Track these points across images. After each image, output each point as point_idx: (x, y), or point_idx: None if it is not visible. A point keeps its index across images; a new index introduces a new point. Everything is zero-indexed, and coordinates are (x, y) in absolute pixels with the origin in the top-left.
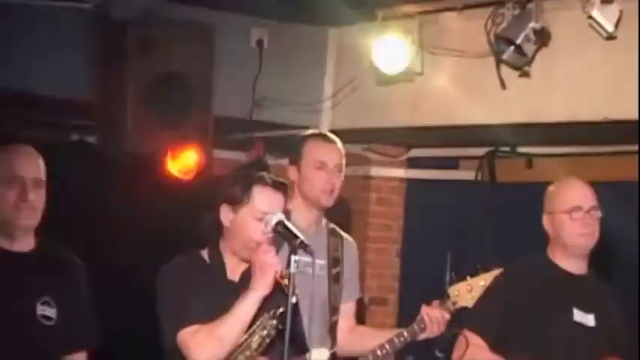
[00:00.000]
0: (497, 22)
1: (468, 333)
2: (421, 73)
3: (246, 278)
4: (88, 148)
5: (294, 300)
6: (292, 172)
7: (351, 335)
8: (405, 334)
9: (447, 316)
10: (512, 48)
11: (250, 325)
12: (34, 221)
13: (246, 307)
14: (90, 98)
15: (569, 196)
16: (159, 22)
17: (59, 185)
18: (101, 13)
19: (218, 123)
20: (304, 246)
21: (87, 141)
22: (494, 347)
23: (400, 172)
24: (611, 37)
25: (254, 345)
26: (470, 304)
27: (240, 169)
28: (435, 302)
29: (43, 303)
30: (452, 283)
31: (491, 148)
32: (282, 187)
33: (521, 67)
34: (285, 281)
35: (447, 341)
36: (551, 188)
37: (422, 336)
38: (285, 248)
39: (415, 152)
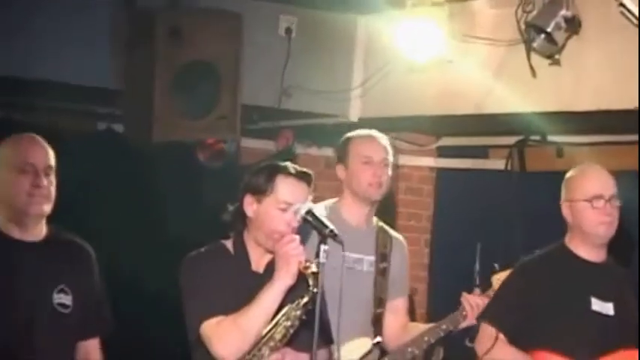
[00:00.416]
0: (528, 9)
1: (485, 326)
2: (451, 61)
3: (271, 269)
4: (116, 137)
5: (316, 290)
6: (340, 171)
7: (403, 331)
8: (447, 324)
9: None
10: (542, 36)
11: (274, 316)
12: (47, 208)
13: (270, 298)
14: (118, 87)
15: (591, 184)
16: (187, 11)
17: (86, 174)
18: (129, 1)
19: (246, 112)
20: (334, 235)
21: (114, 130)
22: (513, 340)
23: (430, 161)
24: None
25: (278, 336)
26: None
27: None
28: (476, 290)
29: (60, 291)
30: (494, 272)
31: (521, 137)
32: (306, 177)
33: (552, 56)
34: (309, 272)
35: (477, 331)
36: (570, 175)
37: (463, 324)
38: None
39: (445, 141)
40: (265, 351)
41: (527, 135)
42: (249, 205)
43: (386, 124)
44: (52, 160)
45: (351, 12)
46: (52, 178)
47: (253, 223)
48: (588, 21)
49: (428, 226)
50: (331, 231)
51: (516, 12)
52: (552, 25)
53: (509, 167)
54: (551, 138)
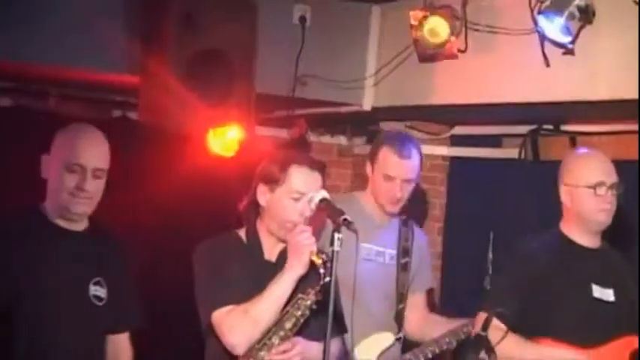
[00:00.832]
0: None
1: (483, 315)
2: (464, 50)
3: (283, 258)
4: (130, 125)
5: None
6: (368, 168)
7: (423, 324)
8: (468, 327)
9: None
10: (556, 25)
11: (285, 306)
12: (89, 209)
13: (281, 287)
14: (132, 75)
15: (594, 170)
16: None
17: None
18: None
19: (260, 100)
20: (348, 223)
21: (129, 117)
22: (514, 329)
23: (443, 150)
24: None
25: (288, 325)
26: None
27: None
28: None
29: (96, 283)
30: None
31: (534, 126)
32: (319, 167)
33: (565, 45)
34: (320, 262)
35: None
36: (571, 159)
37: None
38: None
39: (458, 130)
40: (275, 340)
41: (540, 124)
42: (262, 195)
43: (399, 113)
44: (104, 161)
45: (365, 1)
46: (100, 180)
47: (266, 212)
48: (602, 10)
49: (441, 215)
50: (345, 219)
51: (530, 1)
52: (566, 14)
53: (522, 156)
54: (564, 127)
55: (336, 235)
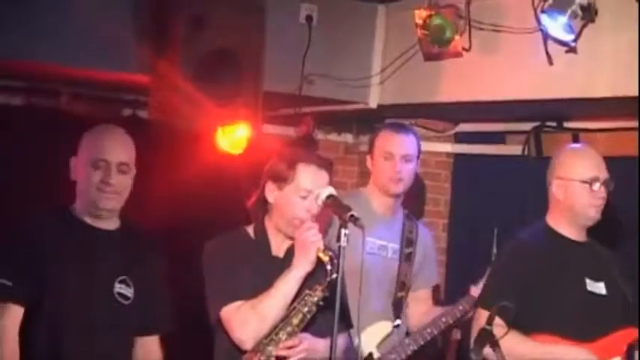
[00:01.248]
0: None
1: (481, 312)
2: (469, 48)
3: (291, 255)
4: (141, 124)
5: (335, 276)
6: (368, 161)
7: (425, 319)
8: (463, 304)
9: None
10: (559, 24)
11: (292, 302)
12: (117, 204)
13: (289, 284)
14: (142, 74)
15: (589, 165)
16: None
17: None
18: None
19: (267, 98)
20: (355, 219)
21: (139, 116)
22: (511, 325)
23: (447, 147)
24: None
25: (295, 321)
26: None
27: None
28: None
29: (121, 282)
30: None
31: (538, 123)
32: (326, 165)
33: (568, 43)
34: (326, 259)
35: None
36: (564, 153)
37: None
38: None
39: (462, 127)
40: (283, 335)
41: (543, 121)
42: (271, 192)
43: (404, 111)
44: (129, 156)
45: (371, 0)
46: (126, 175)
47: (274, 209)
48: (604, 9)
49: (445, 211)
50: (352, 215)
51: (533, 0)
52: (569, 13)
53: (526, 153)
54: (567, 124)
55: (343, 231)
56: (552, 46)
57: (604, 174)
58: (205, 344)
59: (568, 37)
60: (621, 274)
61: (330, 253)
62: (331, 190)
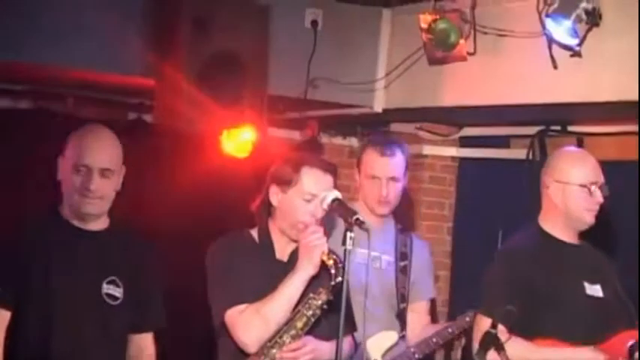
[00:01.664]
0: (549, 2)
1: (481, 318)
2: (473, 53)
3: (295, 258)
4: (145, 127)
5: (339, 279)
6: (356, 175)
7: (424, 333)
8: (470, 316)
9: None
10: (563, 28)
11: (296, 305)
12: (99, 209)
13: (293, 287)
14: (146, 77)
15: (588, 169)
16: (214, 2)
17: None
18: None
19: (272, 102)
20: (360, 223)
21: (144, 119)
22: (511, 330)
23: (452, 151)
24: None
25: (299, 324)
26: None
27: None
28: None
29: (110, 282)
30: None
31: (542, 127)
32: (330, 169)
33: (573, 47)
34: (330, 262)
35: None
36: (563, 157)
37: None
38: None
39: (467, 131)
40: (287, 338)
41: (548, 125)
42: (275, 195)
43: (409, 115)
44: (112, 162)
45: (376, 4)
46: (108, 180)
47: (278, 212)
48: (608, 13)
49: (450, 215)
50: (357, 219)
51: (538, 4)
52: (573, 17)
53: (530, 157)
54: (571, 128)
55: (349, 235)
56: (557, 50)
57: (601, 178)
58: (209, 347)
59: (572, 42)
60: (615, 276)
61: (334, 257)
62: (337, 194)
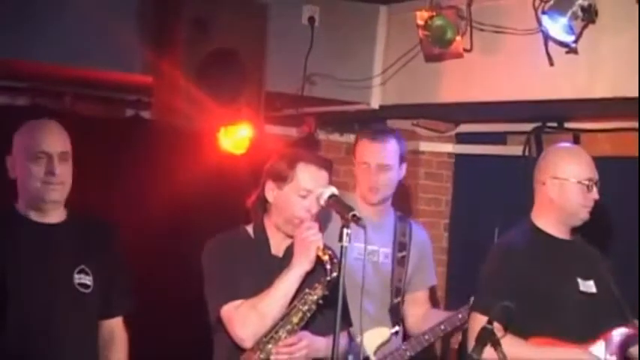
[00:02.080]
0: None
1: (475, 316)
2: (470, 49)
3: (290, 253)
4: (143, 124)
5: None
6: (354, 168)
7: (425, 319)
8: (463, 313)
9: None
10: (560, 24)
11: (292, 300)
12: (62, 195)
13: (288, 282)
14: (144, 75)
15: (585, 166)
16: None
17: (114, 160)
18: None
19: (270, 99)
20: (357, 219)
21: (142, 116)
22: (508, 328)
23: (449, 147)
24: None
25: (295, 319)
26: None
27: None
28: None
29: (80, 272)
30: None
31: (538, 124)
32: (326, 165)
33: (569, 44)
34: (326, 257)
35: None
36: (559, 153)
37: None
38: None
39: (463, 128)
40: (282, 334)
41: (544, 122)
42: (271, 191)
43: (406, 111)
44: (68, 145)
45: (373, 1)
46: (68, 164)
47: (274, 208)
48: (604, 10)
49: (447, 211)
50: (354, 215)
51: (534, 1)
52: (569, 14)
53: (526, 153)
54: (567, 125)
55: (345, 231)
56: (553, 47)
57: (596, 175)
58: (205, 343)
59: (569, 38)
60: (608, 271)
61: (330, 252)
62: (333, 190)
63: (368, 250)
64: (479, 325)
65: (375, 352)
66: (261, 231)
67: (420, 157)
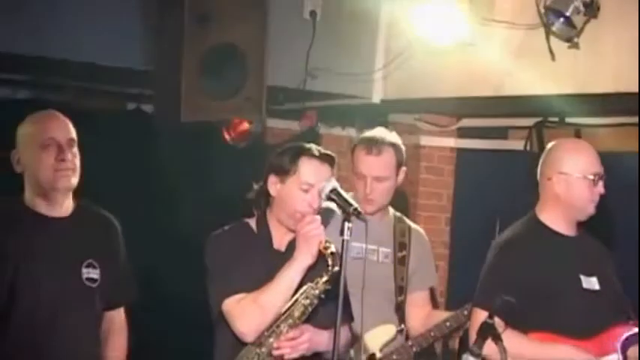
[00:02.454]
0: None
1: (476, 311)
2: (472, 44)
3: (292, 248)
4: (145, 117)
5: (336, 269)
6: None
7: (425, 321)
8: (468, 309)
9: None
10: (561, 20)
11: (293, 294)
12: (74, 180)
13: (290, 276)
14: (147, 68)
15: (591, 161)
16: None
17: (116, 153)
18: None
19: (271, 93)
20: (357, 213)
21: (143, 110)
22: (509, 322)
23: (450, 142)
24: None
25: (296, 313)
26: None
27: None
28: None
29: (88, 265)
30: None
31: (540, 119)
32: (328, 159)
33: (571, 39)
34: (329, 252)
35: None
36: (566, 148)
37: None
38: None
39: (465, 122)
40: (284, 327)
41: (545, 116)
42: (273, 185)
43: (408, 106)
44: (74, 133)
45: None
46: (76, 150)
47: (276, 202)
48: (606, 5)
49: (448, 205)
50: (355, 209)
51: None
52: (571, 9)
53: (528, 148)
54: (569, 119)
55: (347, 225)
56: (555, 42)
57: (602, 169)
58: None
59: (571, 33)
60: (612, 267)
61: (332, 247)
62: (335, 184)
63: (368, 249)
64: (480, 320)
65: (381, 349)
66: (263, 225)
67: (421, 152)
